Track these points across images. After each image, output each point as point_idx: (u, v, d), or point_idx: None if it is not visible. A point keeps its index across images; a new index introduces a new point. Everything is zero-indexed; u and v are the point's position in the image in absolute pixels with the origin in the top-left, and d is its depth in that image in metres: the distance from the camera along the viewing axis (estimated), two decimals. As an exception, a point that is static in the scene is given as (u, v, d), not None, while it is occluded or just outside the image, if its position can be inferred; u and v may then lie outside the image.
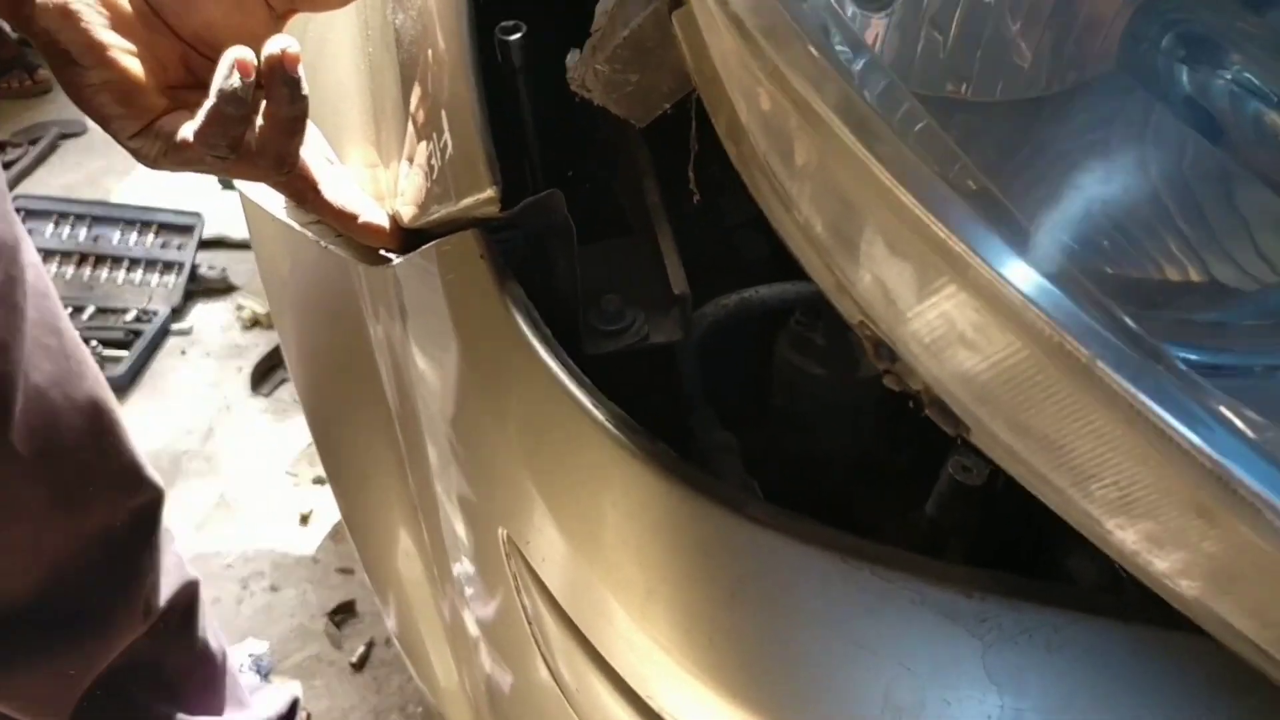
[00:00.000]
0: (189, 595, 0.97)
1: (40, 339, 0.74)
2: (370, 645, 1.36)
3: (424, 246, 0.56)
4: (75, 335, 0.79)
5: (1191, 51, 0.38)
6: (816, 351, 0.66)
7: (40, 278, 0.76)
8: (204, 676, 1.01)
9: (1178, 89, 0.38)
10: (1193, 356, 0.31)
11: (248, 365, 1.81)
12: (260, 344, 1.86)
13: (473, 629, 0.65)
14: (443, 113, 0.52)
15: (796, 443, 0.70)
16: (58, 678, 0.87)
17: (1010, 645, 0.39)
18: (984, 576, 0.41)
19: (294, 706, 1.16)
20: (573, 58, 0.47)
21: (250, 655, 1.32)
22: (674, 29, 0.40)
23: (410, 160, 0.58)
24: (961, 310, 0.33)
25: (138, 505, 0.87)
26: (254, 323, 1.91)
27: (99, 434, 0.81)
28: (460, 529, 0.59)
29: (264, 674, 1.31)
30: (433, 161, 0.54)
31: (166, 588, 0.92)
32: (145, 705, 0.95)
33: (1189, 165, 0.36)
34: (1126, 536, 0.34)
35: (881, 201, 0.32)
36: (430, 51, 0.53)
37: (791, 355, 0.67)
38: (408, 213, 0.58)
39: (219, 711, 1.03)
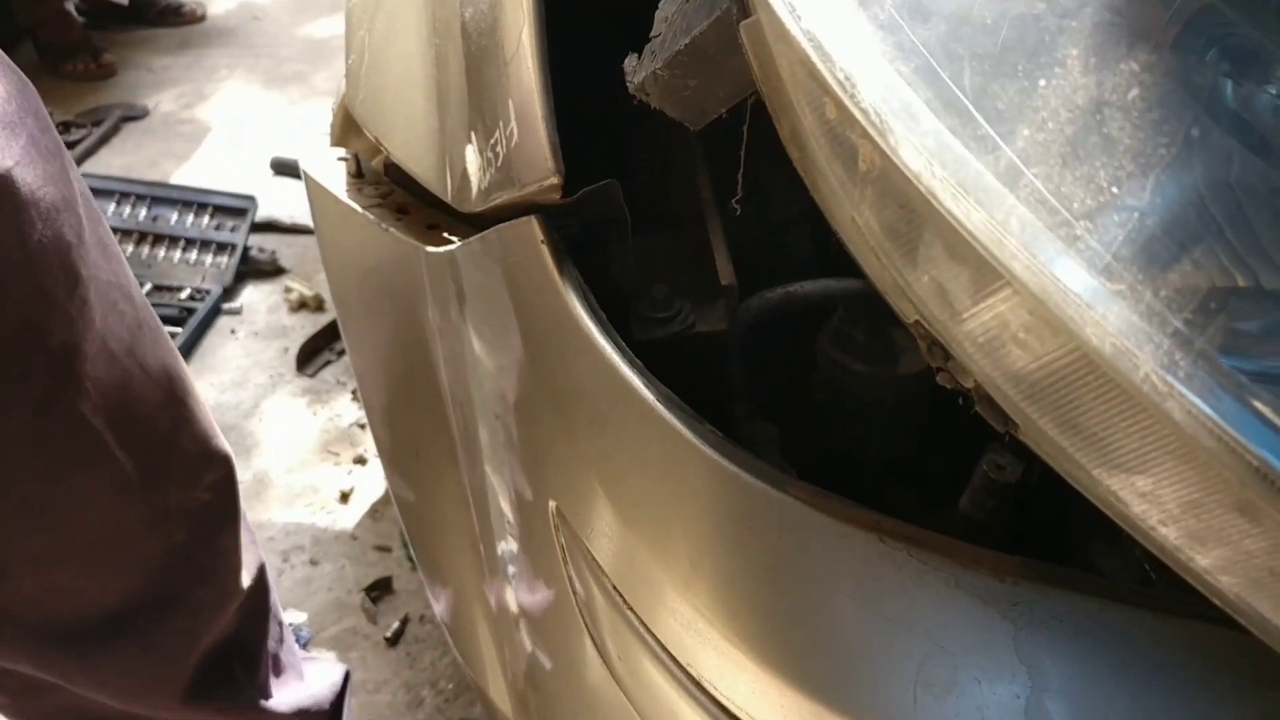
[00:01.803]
0: (263, 571, 0.97)
1: (116, 304, 0.73)
2: (405, 621, 1.39)
3: (486, 231, 0.59)
4: (147, 303, 0.79)
5: (1237, 66, 0.39)
6: (857, 348, 0.68)
7: (110, 244, 0.75)
8: (276, 651, 1.01)
9: (1222, 102, 0.39)
10: (1240, 364, 0.33)
11: (294, 346, 1.86)
12: (306, 326, 1.91)
13: (515, 605, 0.68)
14: (510, 102, 0.54)
15: (834, 437, 0.71)
16: (160, 665, 0.86)
17: (1041, 629, 0.41)
18: (1017, 563, 0.43)
19: (346, 680, 1.17)
20: (631, 63, 0.49)
21: (290, 625, 1.36)
22: (741, 39, 0.42)
23: (474, 145, 0.60)
24: (1016, 312, 0.34)
25: (214, 480, 0.86)
26: (301, 305, 1.96)
27: (175, 404, 0.80)
28: (509, 504, 0.61)
29: (302, 644, 1.35)
30: (498, 149, 0.56)
31: (247, 566, 0.92)
32: (244, 683, 0.95)
33: (1236, 177, 0.38)
34: (1169, 533, 0.36)
35: (941, 207, 0.33)
36: (500, 44, 0.56)
37: (832, 351, 0.68)
38: (470, 196, 0.61)
39: (290, 684, 1.04)
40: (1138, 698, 0.40)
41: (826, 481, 0.58)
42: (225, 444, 0.88)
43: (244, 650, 0.96)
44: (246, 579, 0.92)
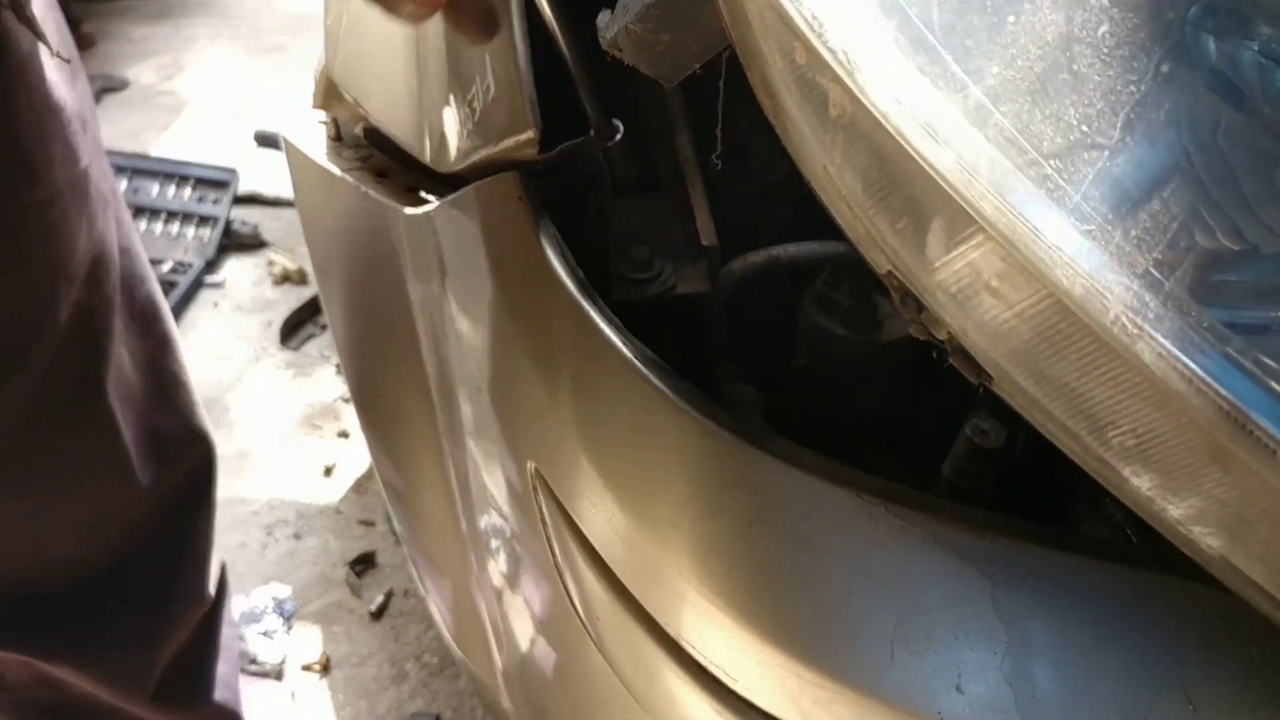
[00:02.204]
0: (223, 577, 0.97)
1: (133, 286, 0.75)
2: (389, 595, 1.39)
3: (463, 189, 0.58)
4: (156, 286, 0.80)
5: (1219, 22, 0.39)
6: (841, 313, 0.67)
7: (131, 226, 0.78)
8: (230, 664, 1.00)
9: (1205, 59, 0.39)
10: (1216, 313, 0.32)
11: (277, 319, 1.84)
12: (290, 299, 1.89)
13: (497, 572, 0.67)
14: (486, 57, 0.53)
15: (817, 402, 0.71)
16: (134, 649, 0.85)
17: (1018, 585, 0.41)
18: (995, 519, 0.43)
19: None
20: (604, 18, 0.48)
21: (274, 599, 1.35)
22: None
23: (452, 104, 0.59)
24: (988, 260, 0.34)
25: (194, 467, 0.87)
26: (284, 278, 1.94)
27: (170, 388, 0.81)
28: (489, 467, 0.60)
29: (286, 617, 1.35)
30: (475, 105, 0.55)
31: (215, 562, 0.92)
32: (199, 693, 0.94)
33: (1222, 133, 0.37)
34: (1142, 483, 0.35)
35: (909, 147, 0.33)
36: (476, -4, 0.54)
37: (816, 315, 0.68)
38: (448, 156, 0.60)
39: (239, 706, 1.01)
40: (1113, 653, 0.40)
41: (808, 446, 0.58)
42: (209, 427, 0.88)
43: (215, 653, 0.95)
44: (211, 584, 0.91)
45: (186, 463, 0.85)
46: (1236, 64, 0.39)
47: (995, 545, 0.41)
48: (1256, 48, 0.39)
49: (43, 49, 0.58)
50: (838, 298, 0.68)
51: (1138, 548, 0.47)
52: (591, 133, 0.55)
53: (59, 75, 0.61)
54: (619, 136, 0.56)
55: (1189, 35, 0.38)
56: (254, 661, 1.29)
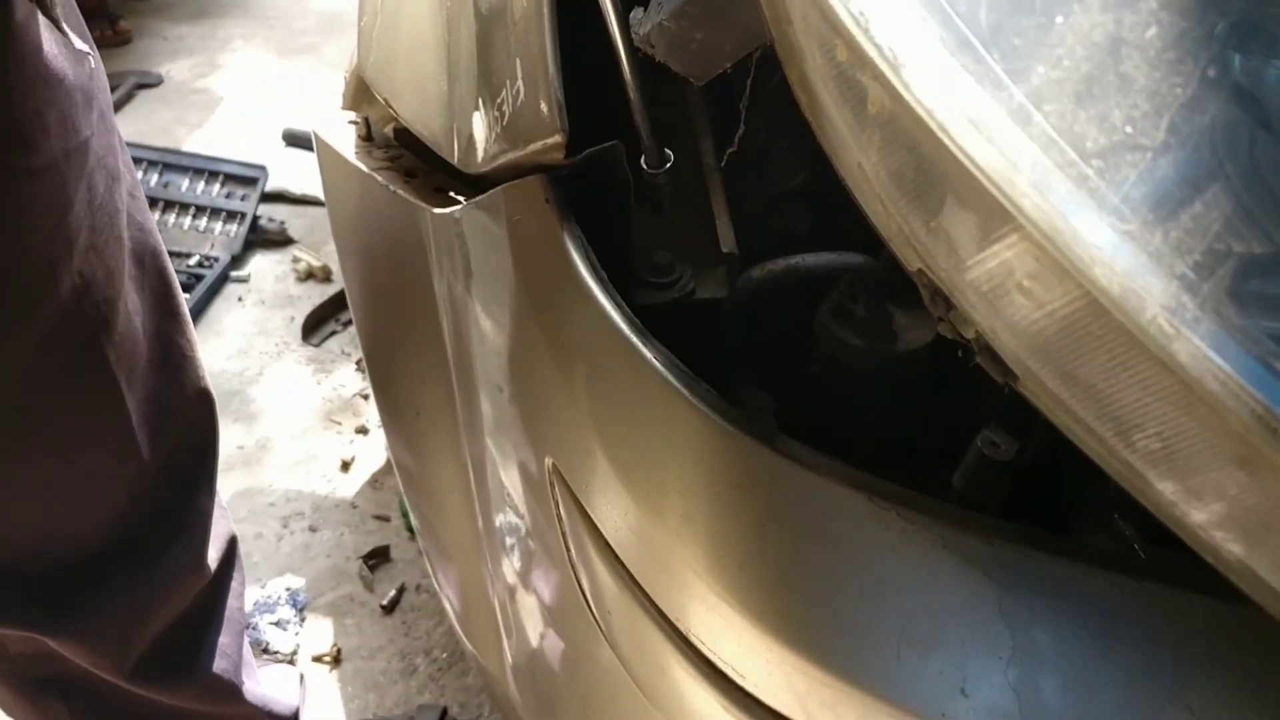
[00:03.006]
0: (233, 547, 0.97)
1: (144, 260, 0.77)
2: (401, 590, 1.40)
3: (491, 191, 0.59)
4: (168, 263, 0.82)
5: (1245, 39, 0.39)
6: (857, 323, 0.68)
7: (145, 207, 0.79)
8: (233, 636, 1.00)
9: (1230, 75, 0.39)
10: (1252, 320, 0.32)
11: (300, 315, 1.86)
12: (313, 296, 1.92)
13: (512, 567, 0.68)
14: (517, 61, 0.54)
15: (830, 411, 0.72)
16: (122, 622, 0.85)
17: (1025, 591, 0.41)
18: (1004, 526, 0.43)
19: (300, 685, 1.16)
20: (637, 15, 0.48)
21: (287, 589, 1.37)
22: None
23: (482, 107, 0.61)
24: (1022, 259, 0.34)
25: (197, 441, 0.88)
26: (308, 275, 1.97)
27: (177, 363, 0.82)
28: (506, 463, 0.62)
29: (299, 608, 1.36)
30: (504, 108, 0.56)
31: (217, 536, 0.93)
32: (197, 664, 0.94)
33: (1259, 150, 0.37)
34: (1165, 487, 0.36)
35: (951, 144, 0.33)
36: (510, 4, 0.56)
37: (832, 324, 0.69)
38: (476, 158, 0.61)
39: (239, 678, 1.01)
40: (1117, 662, 0.40)
41: (821, 452, 0.59)
42: (213, 400, 0.89)
43: (206, 631, 0.96)
44: (215, 553, 0.92)
45: (189, 437, 0.86)
46: (1261, 81, 0.39)
47: (1003, 552, 0.42)
48: (1282, 63, 0.39)
49: (42, 20, 0.60)
50: (854, 308, 0.68)
51: (1143, 559, 0.47)
52: (642, 160, 0.56)
53: (57, 48, 0.62)
54: (669, 165, 0.57)
55: (1216, 52, 0.39)
56: (266, 650, 1.31)
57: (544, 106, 0.51)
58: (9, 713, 0.90)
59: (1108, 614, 0.41)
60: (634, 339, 0.48)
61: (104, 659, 0.85)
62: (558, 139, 0.51)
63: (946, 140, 0.32)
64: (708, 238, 0.65)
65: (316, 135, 0.87)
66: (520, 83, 0.54)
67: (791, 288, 0.70)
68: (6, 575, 0.77)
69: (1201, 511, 0.35)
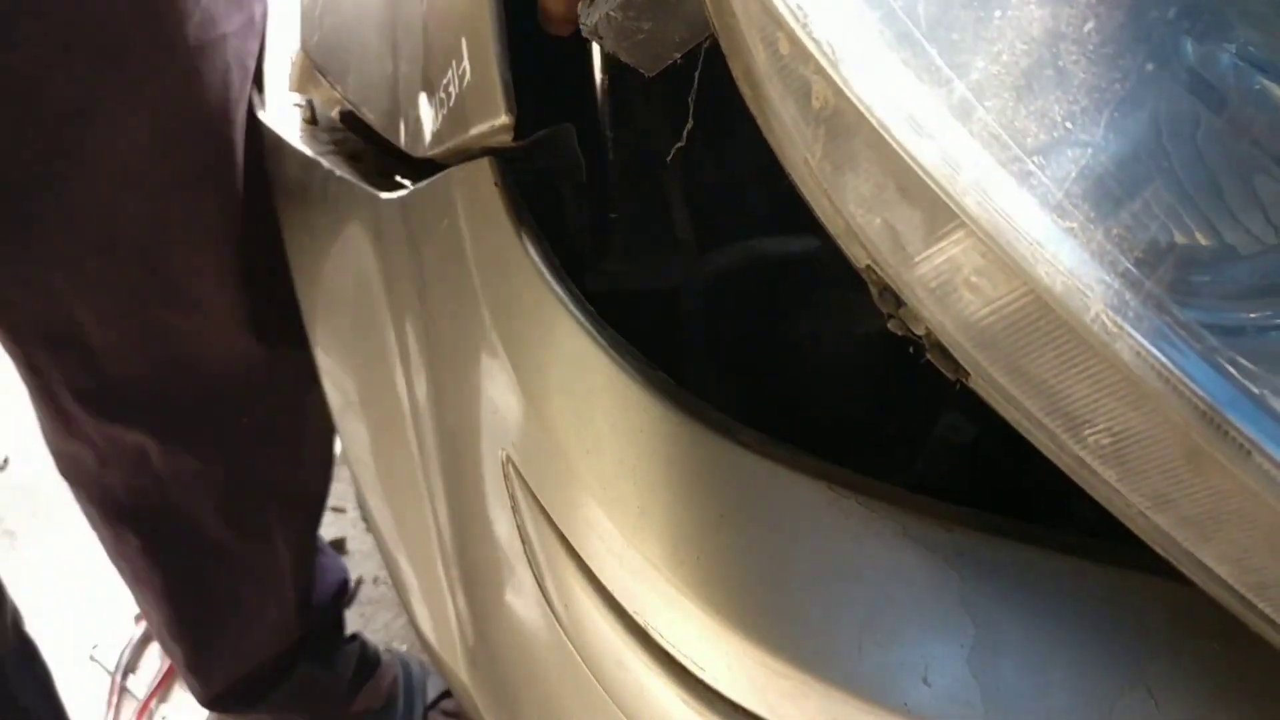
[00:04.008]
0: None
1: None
2: (359, 582, 1.38)
3: (438, 175, 0.57)
4: None
5: (1197, 24, 0.39)
6: (818, 307, 0.68)
7: None
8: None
9: (1183, 60, 0.39)
10: (1195, 313, 0.32)
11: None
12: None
13: (467, 560, 0.67)
14: (463, 40, 0.52)
15: (792, 397, 0.71)
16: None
17: (986, 579, 0.41)
18: (964, 513, 0.43)
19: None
20: (584, 4, 0.47)
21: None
22: None
23: (428, 89, 0.59)
24: (968, 255, 0.34)
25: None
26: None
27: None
28: (460, 453, 0.60)
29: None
30: (450, 89, 0.55)
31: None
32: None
33: (1201, 135, 0.37)
34: (1115, 481, 0.36)
35: (893, 141, 0.33)
36: (454, -22, 0.54)
37: (793, 309, 0.68)
38: (424, 141, 0.59)
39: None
40: (1078, 648, 0.40)
41: (783, 440, 0.58)
42: None
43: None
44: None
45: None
46: (1214, 66, 0.39)
47: (964, 539, 0.42)
48: (1234, 50, 0.39)
49: None
50: (815, 292, 0.68)
51: (1104, 545, 0.47)
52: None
53: None
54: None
55: (1168, 36, 0.39)
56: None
57: (490, 87, 0.49)
58: (95, 530, 1.01)
59: (1068, 600, 0.41)
60: (586, 325, 0.47)
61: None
62: (505, 120, 0.49)
63: (887, 137, 0.32)
64: (664, 223, 0.64)
65: (259, 119, 0.84)
66: (467, 63, 0.52)
67: (751, 273, 0.70)
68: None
69: (1151, 506, 0.35)
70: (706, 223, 0.67)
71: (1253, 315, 0.35)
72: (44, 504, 1.59)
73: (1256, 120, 0.39)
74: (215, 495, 0.97)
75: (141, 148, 0.75)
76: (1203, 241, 0.33)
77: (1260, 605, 0.34)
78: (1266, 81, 0.39)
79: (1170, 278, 0.33)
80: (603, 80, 0.60)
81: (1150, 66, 0.34)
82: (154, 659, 1.36)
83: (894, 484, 0.63)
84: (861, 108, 0.32)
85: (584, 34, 0.48)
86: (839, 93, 0.34)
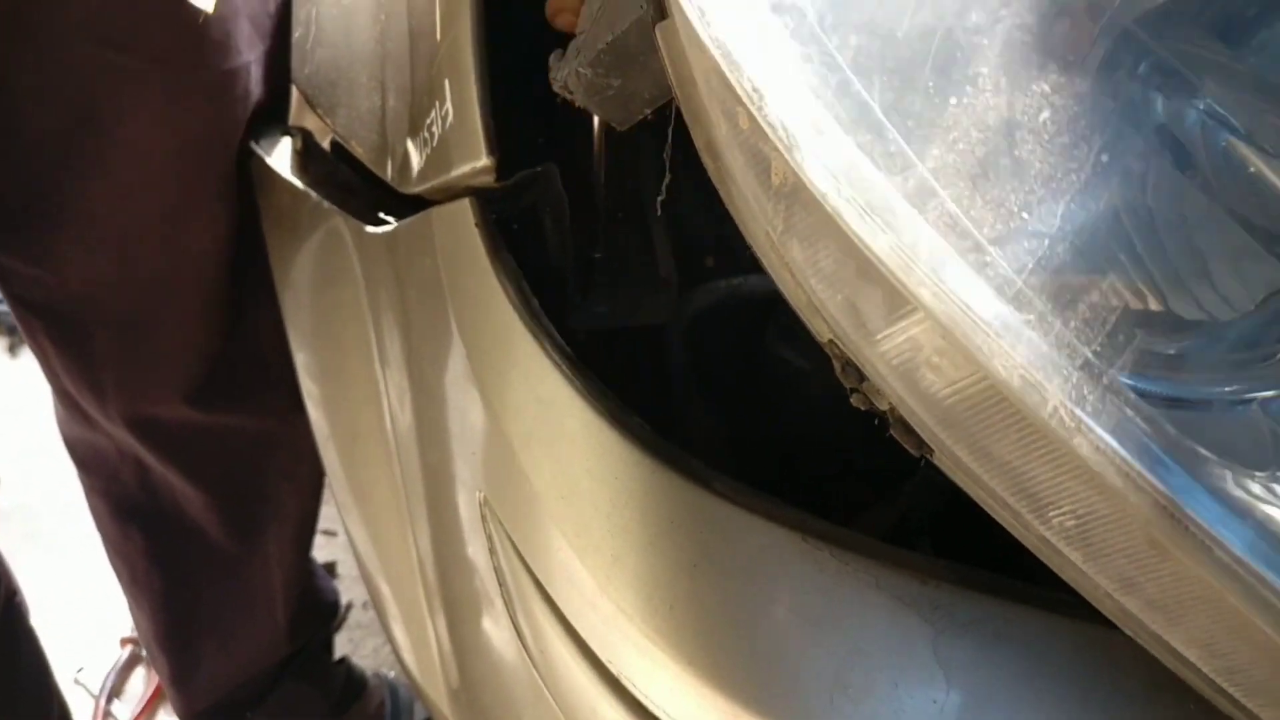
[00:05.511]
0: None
1: None
2: (349, 607, 1.37)
3: (420, 213, 0.57)
4: None
5: (1166, 80, 0.39)
6: (802, 344, 0.67)
7: None
8: None
9: (1152, 117, 0.39)
10: (1152, 388, 0.32)
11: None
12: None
13: (447, 598, 0.67)
14: (446, 82, 0.53)
15: (779, 432, 0.71)
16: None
17: (960, 633, 0.41)
18: (939, 566, 0.42)
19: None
20: (556, 58, 0.47)
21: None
22: (658, 41, 0.40)
23: (413, 127, 0.59)
24: (928, 336, 0.33)
25: None
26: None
27: None
28: (440, 496, 0.60)
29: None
30: (434, 129, 0.55)
31: None
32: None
33: (1152, 194, 0.37)
34: (1076, 556, 0.35)
35: (847, 228, 0.32)
36: (437, 20, 0.54)
37: (778, 346, 0.68)
38: (410, 177, 0.59)
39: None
40: (1053, 704, 0.40)
41: (771, 475, 0.58)
42: None
43: None
44: None
45: None
46: (1182, 122, 0.39)
47: (939, 592, 0.41)
48: (1202, 107, 0.39)
49: None
50: (799, 329, 0.68)
51: (1081, 600, 0.47)
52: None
53: None
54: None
55: (1137, 93, 0.39)
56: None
57: (472, 130, 0.50)
58: (99, 527, 1.01)
59: (1044, 656, 0.40)
60: (563, 369, 0.47)
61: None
62: (486, 163, 0.49)
63: (842, 225, 0.31)
64: (648, 261, 0.64)
65: (251, 149, 0.84)
66: (449, 105, 0.52)
67: (736, 309, 0.69)
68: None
69: (1117, 589, 0.34)
70: (691, 261, 0.67)
71: (1225, 390, 0.34)
72: (35, 526, 1.58)
73: (1222, 178, 0.39)
74: (217, 506, 0.99)
75: (157, 164, 0.78)
76: (1163, 325, 0.33)
77: (1230, 690, 0.33)
78: (1234, 140, 0.39)
79: (1130, 366, 0.32)
80: (599, 128, 0.60)
81: (1105, 158, 0.34)
82: (139, 683, 1.35)
83: (879, 519, 0.63)
84: (816, 193, 0.32)
85: (555, 89, 0.48)
86: (796, 174, 0.33)
